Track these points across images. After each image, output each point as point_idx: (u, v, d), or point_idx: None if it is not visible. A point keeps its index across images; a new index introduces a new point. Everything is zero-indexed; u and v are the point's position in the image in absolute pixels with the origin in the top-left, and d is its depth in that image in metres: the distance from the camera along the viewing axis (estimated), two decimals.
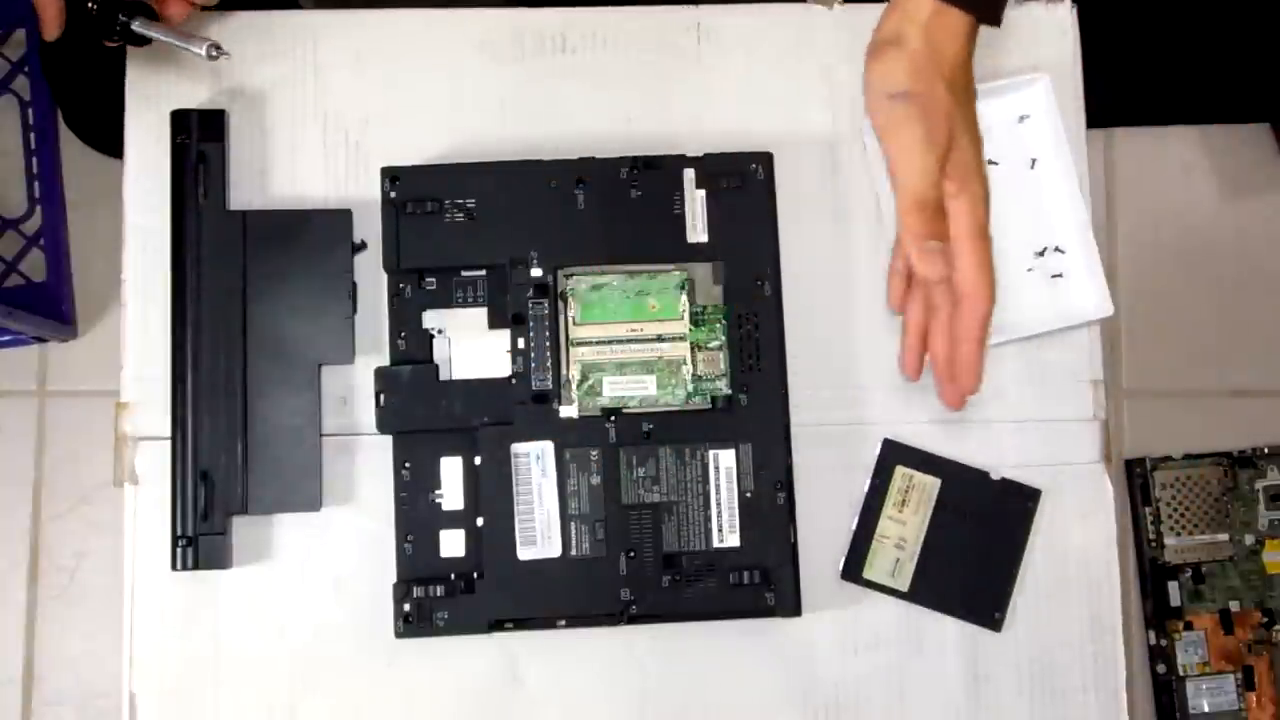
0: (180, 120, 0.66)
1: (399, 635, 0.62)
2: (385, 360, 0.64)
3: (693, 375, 0.64)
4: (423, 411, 0.63)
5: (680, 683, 0.65)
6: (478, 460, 0.63)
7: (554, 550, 0.63)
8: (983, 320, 0.61)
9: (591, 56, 0.70)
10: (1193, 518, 1.16)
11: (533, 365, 0.64)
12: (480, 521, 0.63)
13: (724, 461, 0.63)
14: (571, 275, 0.65)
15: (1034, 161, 0.70)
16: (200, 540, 0.63)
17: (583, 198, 0.65)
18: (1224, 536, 1.15)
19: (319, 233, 0.65)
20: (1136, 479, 1.17)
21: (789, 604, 0.63)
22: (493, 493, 0.63)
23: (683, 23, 0.70)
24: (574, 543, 0.63)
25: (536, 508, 0.63)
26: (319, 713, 0.64)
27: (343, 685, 0.64)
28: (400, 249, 0.64)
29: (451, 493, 0.64)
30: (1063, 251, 0.69)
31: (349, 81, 0.69)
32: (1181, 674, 1.15)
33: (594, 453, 0.63)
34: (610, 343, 0.64)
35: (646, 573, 0.63)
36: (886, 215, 0.69)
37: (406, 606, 0.62)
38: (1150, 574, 1.15)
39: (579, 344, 0.64)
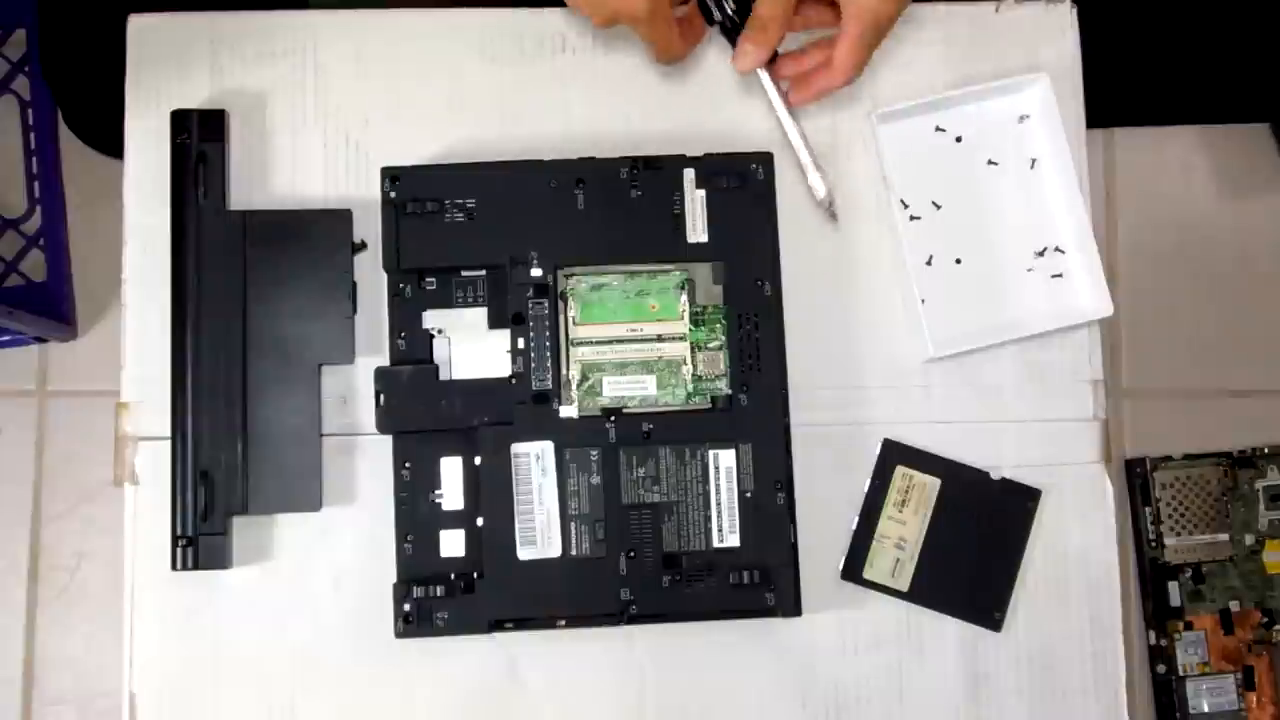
0: (180, 120, 0.66)
1: (399, 635, 0.62)
2: (385, 360, 0.64)
3: (693, 375, 0.64)
4: (423, 411, 0.63)
5: (680, 683, 0.65)
6: (478, 460, 0.63)
7: (554, 550, 0.63)
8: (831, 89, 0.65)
9: (591, 57, 0.70)
10: (1193, 518, 1.16)
11: (533, 365, 0.64)
12: (480, 521, 0.63)
13: (724, 461, 0.63)
14: (571, 275, 0.65)
15: (1034, 162, 0.70)
16: (200, 540, 0.63)
17: (583, 198, 0.65)
18: (1224, 536, 1.15)
19: (319, 233, 0.65)
20: (1136, 479, 1.16)
21: (789, 604, 0.63)
22: (493, 493, 0.63)
23: None
24: (574, 543, 0.63)
25: (536, 508, 0.63)
26: (319, 713, 0.64)
27: (343, 685, 0.64)
28: (400, 249, 0.64)
29: (451, 493, 0.64)
30: (1063, 251, 0.69)
31: (349, 81, 0.69)
32: (1181, 674, 1.14)
33: (594, 453, 0.63)
34: (610, 343, 0.64)
35: (646, 573, 0.62)
36: (888, 214, 0.69)
37: (406, 606, 0.62)
38: (1150, 574, 1.15)
39: (579, 344, 0.64)
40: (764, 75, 0.65)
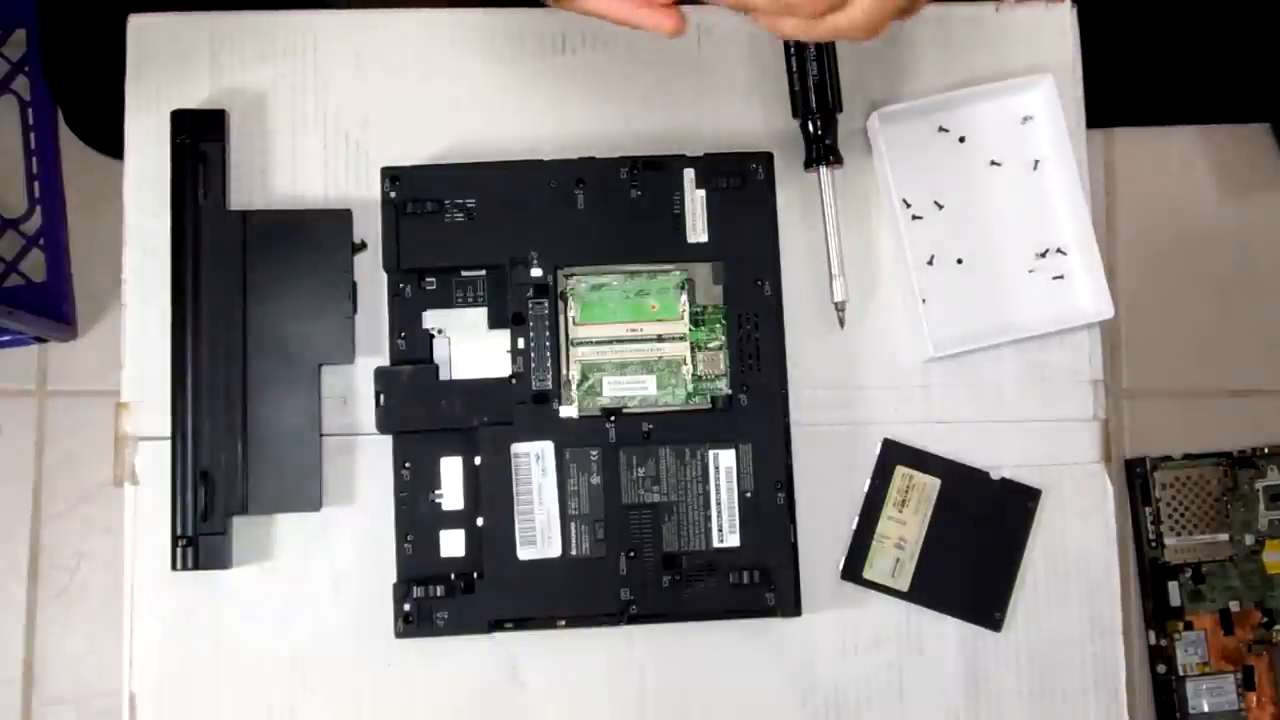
0: (180, 120, 0.66)
1: (399, 635, 0.62)
2: (385, 360, 0.64)
3: (693, 375, 0.64)
4: (423, 411, 0.63)
5: (680, 683, 0.65)
6: (478, 460, 0.63)
7: (554, 550, 0.63)
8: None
9: (591, 56, 0.70)
10: (1193, 518, 1.16)
11: (533, 365, 0.64)
12: (480, 521, 0.63)
13: (724, 461, 0.63)
14: (571, 275, 0.65)
15: (1037, 163, 0.70)
16: (200, 540, 0.63)
17: (583, 198, 0.65)
18: (1224, 536, 1.15)
19: (319, 233, 0.65)
20: (1136, 479, 1.16)
21: (789, 604, 0.63)
22: (493, 493, 0.63)
23: None
24: (574, 543, 0.63)
25: (536, 508, 0.63)
26: (319, 713, 0.64)
27: (343, 685, 0.64)
28: (400, 249, 0.64)
29: (451, 493, 0.64)
30: (1064, 253, 0.69)
31: (349, 81, 0.69)
32: (1181, 674, 1.14)
33: (594, 453, 0.63)
34: (610, 343, 0.64)
35: (646, 573, 0.62)
36: (889, 214, 0.69)
37: (406, 606, 0.62)
38: (1150, 574, 1.15)
39: (579, 344, 0.64)
40: (824, 174, 0.67)
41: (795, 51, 0.68)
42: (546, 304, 0.64)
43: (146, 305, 0.66)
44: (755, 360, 0.64)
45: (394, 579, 0.63)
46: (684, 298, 0.65)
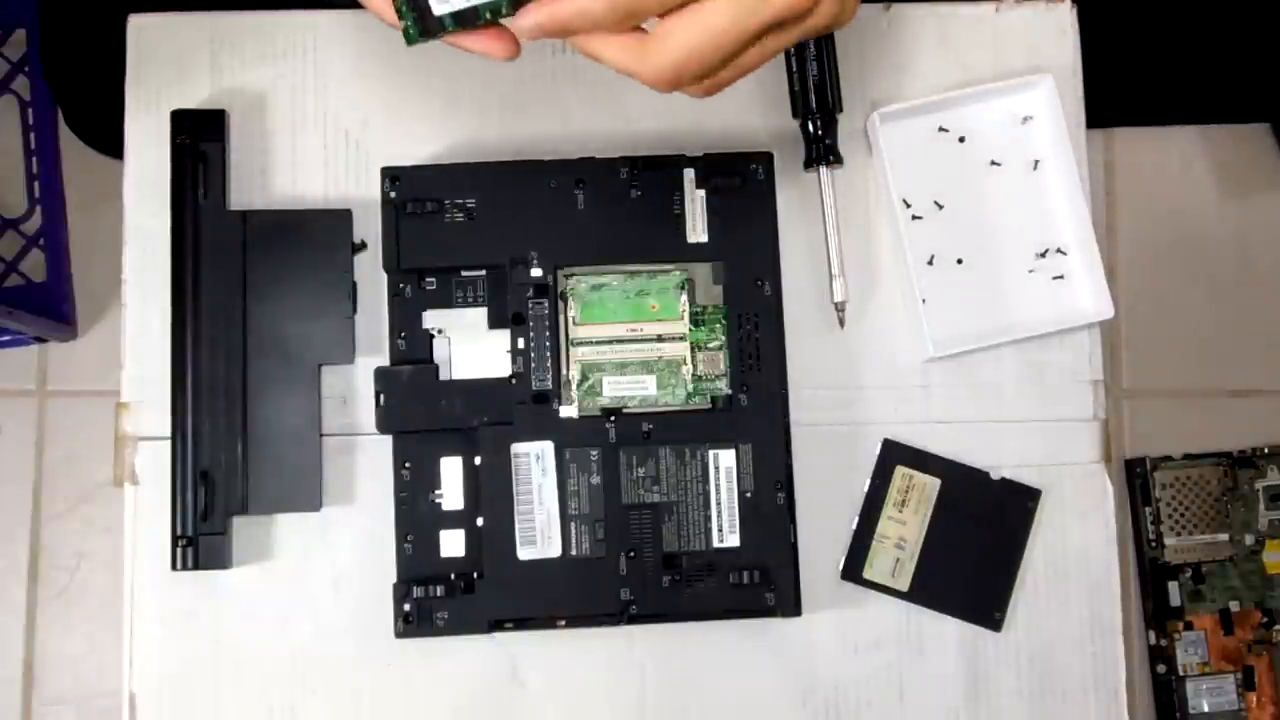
0: (180, 120, 0.66)
1: (399, 635, 0.62)
2: (385, 360, 0.64)
3: (693, 375, 0.64)
4: (423, 411, 0.63)
5: (680, 683, 0.65)
6: (478, 460, 0.63)
7: (554, 550, 0.63)
8: None
9: None
10: (1193, 518, 1.16)
11: (533, 365, 0.64)
12: (480, 521, 0.63)
13: (724, 461, 0.63)
14: (571, 275, 0.65)
15: (1037, 163, 0.70)
16: (200, 540, 0.63)
17: (582, 198, 0.65)
18: (1224, 536, 1.15)
19: (319, 233, 0.65)
20: (1136, 479, 1.17)
21: (789, 604, 0.63)
22: (493, 493, 0.63)
23: None
24: (574, 543, 0.63)
25: (536, 508, 0.63)
26: (319, 713, 0.64)
27: (343, 685, 0.64)
28: (400, 249, 0.64)
29: (451, 493, 0.64)
30: (1064, 253, 0.69)
31: (349, 81, 0.69)
32: (1181, 674, 1.15)
33: (594, 453, 0.63)
34: (610, 343, 0.64)
35: (646, 573, 0.62)
36: (889, 213, 0.69)
37: (406, 606, 0.62)
38: (1150, 574, 1.16)
39: (579, 344, 0.64)
40: (824, 173, 0.67)
41: (795, 51, 0.68)
42: (546, 304, 0.64)
43: (146, 305, 0.66)
44: (755, 360, 0.64)
45: (394, 579, 0.63)
46: (684, 298, 0.65)
